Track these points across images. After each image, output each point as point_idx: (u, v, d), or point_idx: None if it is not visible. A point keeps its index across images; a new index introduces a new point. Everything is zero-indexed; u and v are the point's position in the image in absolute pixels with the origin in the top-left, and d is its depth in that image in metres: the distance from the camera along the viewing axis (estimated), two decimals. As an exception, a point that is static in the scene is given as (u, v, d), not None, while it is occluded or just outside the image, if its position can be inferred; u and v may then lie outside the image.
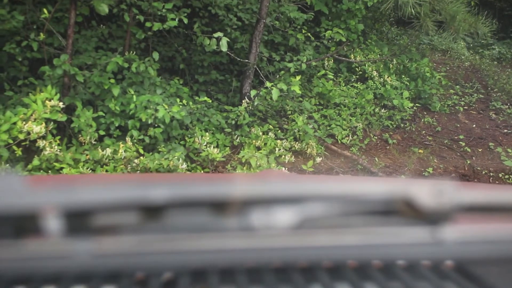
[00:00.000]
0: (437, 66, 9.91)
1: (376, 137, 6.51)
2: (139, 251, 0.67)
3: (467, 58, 11.40)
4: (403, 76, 7.74)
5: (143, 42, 5.64)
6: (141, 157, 4.25)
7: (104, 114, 4.50)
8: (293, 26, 6.63)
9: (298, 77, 5.23)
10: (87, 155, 4.20)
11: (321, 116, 6.40)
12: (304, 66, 5.80)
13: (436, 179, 0.66)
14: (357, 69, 7.47)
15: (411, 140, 6.69)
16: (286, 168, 4.93)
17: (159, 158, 4.28)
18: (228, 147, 5.14)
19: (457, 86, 8.94)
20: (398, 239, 0.74)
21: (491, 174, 5.99)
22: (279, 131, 5.71)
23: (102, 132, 4.43)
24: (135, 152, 4.28)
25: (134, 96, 4.43)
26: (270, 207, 0.67)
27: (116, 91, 4.46)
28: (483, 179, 5.92)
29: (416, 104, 7.51)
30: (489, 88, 9.24)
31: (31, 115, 3.99)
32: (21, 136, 3.92)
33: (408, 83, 7.64)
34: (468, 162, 6.29)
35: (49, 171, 4.10)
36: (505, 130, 7.42)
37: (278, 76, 5.79)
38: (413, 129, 7.00)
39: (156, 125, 4.44)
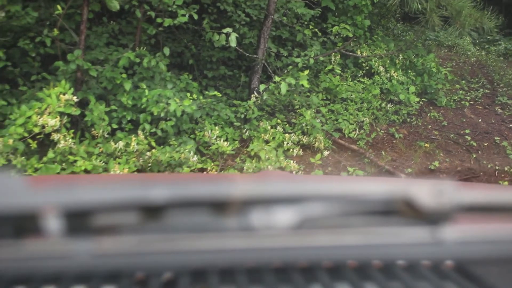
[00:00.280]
0: (443, 61, 9.95)
1: (382, 132, 6.58)
2: (139, 251, 0.68)
3: (473, 54, 11.42)
4: (409, 71, 7.80)
5: (153, 38, 5.72)
6: (153, 150, 4.34)
7: (116, 108, 4.59)
8: (300, 22, 6.70)
9: (306, 72, 5.31)
10: (100, 148, 4.30)
11: (328, 111, 6.47)
12: (312, 61, 5.88)
13: (436, 179, 0.69)
14: (363, 64, 7.54)
15: (417, 135, 6.76)
16: (295, 161, 5.01)
17: (170, 151, 4.37)
18: (237, 141, 5.23)
19: (463, 81, 8.99)
20: (398, 239, 0.74)
21: (497, 168, 6.05)
22: (287, 125, 5.79)
23: (114, 126, 4.53)
24: (147, 145, 4.37)
25: (146, 91, 4.53)
26: (270, 207, 0.67)
27: (128, 85, 4.55)
28: (489, 173, 5.98)
29: (422, 99, 7.57)
30: (495, 83, 9.28)
31: (46, 109, 4.09)
32: (36, 130, 4.01)
33: (414, 78, 7.70)
34: (474, 156, 6.36)
35: (63, 164, 4.19)
36: (511, 125, 7.48)
37: (286, 71, 5.87)
38: (419, 124, 7.06)
39: (168, 118, 4.53)
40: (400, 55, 7.92)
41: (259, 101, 5.50)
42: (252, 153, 4.93)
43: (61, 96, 4.09)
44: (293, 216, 0.67)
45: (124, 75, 4.64)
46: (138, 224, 0.66)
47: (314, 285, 0.70)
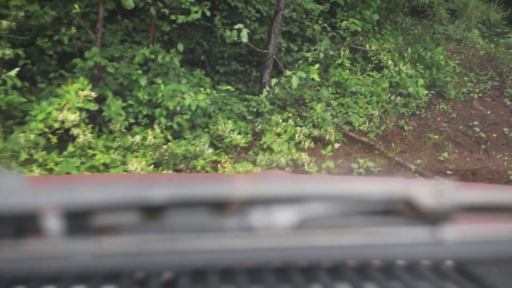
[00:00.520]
0: (452, 55, 10.00)
1: (392, 124, 6.68)
2: (139, 251, 0.68)
3: (482, 47, 11.44)
4: (417, 64, 7.89)
5: (166, 35, 5.85)
6: (169, 143, 4.47)
7: (132, 103, 4.73)
8: (309, 17, 6.80)
9: (316, 66, 5.42)
10: (118, 142, 4.43)
11: (338, 104, 6.58)
12: (321, 55, 5.99)
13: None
14: (372, 58, 7.63)
15: (427, 127, 6.85)
16: (306, 154, 5.13)
17: (186, 144, 4.50)
18: (249, 134, 5.35)
19: (472, 74, 9.05)
20: (398, 239, 0.74)
21: (506, 158, 6.14)
22: (298, 118, 5.90)
23: (131, 120, 4.67)
24: (163, 139, 4.50)
25: (162, 86, 4.66)
26: (270, 207, 0.67)
27: (143, 81, 4.69)
28: (498, 163, 6.07)
29: (431, 92, 7.66)
30: (504, 76, 9.33)
31: (65, 105, 4.22)
32: (56, 125, 4.14)
33: (423, 71, 7.79)
34: (483, 147, 6.45)
35: (82, 158, 4.33)
36: (520, 116, 7.56)
37: (296, 65, 5.98)
38: (429, 116, 7.15)
39: (184, 112, 4.66)
40: (409, 49, 8.00)
41: (270, 95, 5.62)
42: (265, 146, 5.05)
43: (80, 92, 4.22)
44: (293, 216, 0.67)
45: (139, 71, 4.77)
46: (138, 224, 0.66)
47: (314, 285, 0.70)
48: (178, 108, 4.56)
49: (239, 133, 5.12)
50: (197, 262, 0.69)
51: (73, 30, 4.69)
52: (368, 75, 7.41)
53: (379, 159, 5.65)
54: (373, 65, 7.62)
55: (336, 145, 5.62)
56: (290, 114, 5.83)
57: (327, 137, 5.65)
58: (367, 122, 6.44)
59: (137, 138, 4.45)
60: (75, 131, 4.27)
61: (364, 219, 0.72)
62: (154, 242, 0.68)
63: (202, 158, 4.50)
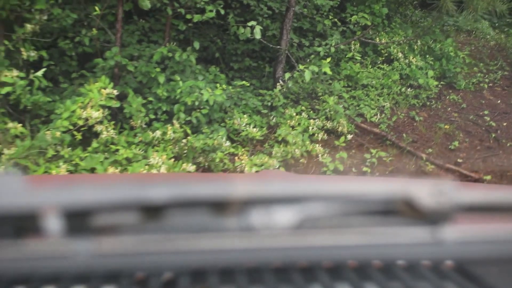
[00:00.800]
0: (462, 46, 10.07)
1: (403, 115, 6.82)
2: (139, 251, 0.68)
3: (493, 37, 11.48)
4: (427, 56, 8.01)
5: (181, 33, 6.04)
6: (188, 137, 4.66)
7: (152, 100, 4.93)
8: (320, 13, 6.96)
9: (328, 59, 5.59)
10: (139, 137, 4.63)
11: (350, 97, 6.73)
12: (332, 49, 6.15)
13: (436, 179, 0.72)
14: (382, 51, 7.76)
15: (437, 117, 6.98)
16: (320, 145, 5.30)
17: (204, 138, 4.69)
18: (264, 127, 5.53)
19: (481, 64, 9.14)
20: (398, 239, 0.74)
21: (516, 146, 6.27)
22: (311, 111, 6.06)
23: (152, 116, 4.86)
24: (182, 133, 4.69)
25: (180, 82, 4.85)
26: (270, 207, 0.68)
27: (161, 78, 4.88)
28: (508, 151, 6.20)
29: (441, 83, 7.78)
30: (514, 65, 9.42)
31: (88, 103, 4.43)
32: (80, 122, 4.34)
33: (432, 63, 7.92)
34: (493, 135, 6.57)
35: (105, 153, 4.53)
36: (530, 105, 7.66)
37: (308, 60, 6.15)
38: (439, 107, 7.28)
39: (202, 107, 4.85)
40: (418, 41, 8.13)
41: (284, 89, 5.80)
42: (280, 138, 5.24)
43: (102, 90, 4.42)
44: (293, 216, 0.68)
45: (157, 69, 4.97)
46: (138, 224, 0.66)
47: (314, 285, 0.70)
48: (196, 103, 4.74)
49: (254, 127, 5.30)
50: (197, 262, 0.69)
51: (94, 31, 4.91)
52: (378, 68, 7.55)
53: (391, 149, 5.80)
54: (383, 58, 7.75)
55: (349, 136, 5.78)
56: (303, 108, 6.00)
57: (340, 129, 5.81)
58: (378, 114, 6.59)
59: (158, 133, 4.64)
60: (98, 128, 4.46)
61: (364, 219, 0.72)
62: (154, 242, 0.68)
63: (220, 151, 4.69)
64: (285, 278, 0.71)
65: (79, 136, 4.40)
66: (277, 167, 4.92)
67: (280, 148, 5.11)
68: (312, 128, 5.61)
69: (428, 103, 7.29)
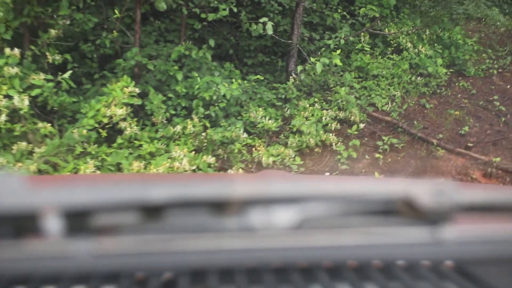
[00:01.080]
0: (472, 33, 10.14)
1: (413, 103, 6.99)
2: (139, 251, 0.68)
3: (503, 24, 11.54)
4: (436, 45, 8.17)
5: (196, 32, 6.29)
6: (207, 131, 4.90)
7: (171, 97, 5.17)
8: (329, 7, 7.18)
9: (338, 51, 5.80)
10: (161, 132, 4.88)
11: (361, 87, 6.93)
12: (342, 42, 6.35)
13: (437, 179, 0.72)
14: (392, 41, 7.93)
15: (447, 104, 7.14)
16: (333, 134, 5.53)
17: (222, 131, 4.93)
18: (279, 119, 5.75)
19: (490, 50, 9.25)
20: (398, 239, 0.74)
21: (525, 129, 6.43)
22: (324, 102, 6.27)
23: (171, 112, 5.11)
24: (201, 127, 4.92)
25: (198, 78, 5.09)
26: (270, 207, 0.67)
27: (180, 76, 5.13)
28: (518, 134, 6.37)
29: (450, 70, 7.94)
30: (523, 51, 9.52)
31: (112, 101, 4.67)
32: (105, 120, 4.58)
33: (441, 51, 8.07)
34: (503, 119, 6.73)
35: (130, 149, 4.77)
36: (539, 89, 7.79)
37: (319, 53, 6.36)
38: (449, 94, 7.44)
39: (220, 101, 5.08)
40: (427, 30, 8.28)
41: (297, 82, 6.02)
42: (294, 129, 5.47)
43: (125, 89, 4.66)
44: (293, 216, 0.67)
45: (176, 67, 5.21)
46: (138, 224, 0.66)
47: (314, 285, 0.70)
48: (214, 98, 4.98)
49: (270, 119, 5.53)
50: (196, 262, 0.69)
51: (115, 33, 5.16)
52: (388, 58, 7.73)
53: (402, 136, 5.99)
54: (392, 48, 7.93)
55: (361, 125, 5.99)
56: (316, 99, 6.22)
57: (352, 118, 6.01)
58: (389, 103, 6.77)
59: (178, 128, 4.88)
60: (122, 125, 4.69)
61: (364, 219, 0.72)
62: (154, 242, 0.68)
63: (238, 142, 4.93)
64: (285, 278, 0.71)
65: (104, 133, 4.62)
66: (292, 156, 5.15)
67: (295, 138, 5.34)
68: (325, 118, 5.82)
69: (438, 90, 7.45)
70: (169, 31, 6.52)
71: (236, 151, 4.91)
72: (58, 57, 4.89)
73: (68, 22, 5.00)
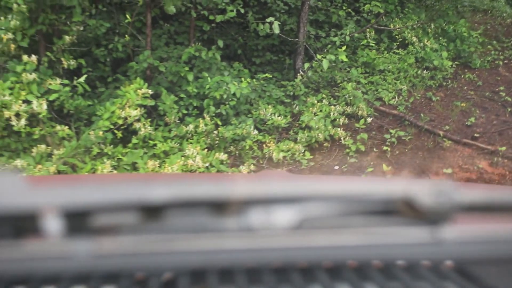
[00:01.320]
0: (478, 26, 10.18)
1: (420, 96, 7.10)
2: (139, 251, 0.68)
3: (509, 15, 11.56)
4: (441, 38, 8.27)
5: (205, 34, 6.45)
6: (219, 129, 5.06)
7: (183, 97, 5.34)
8: (334, 5, 7.33)
9: (343, 48, 5.94)
10: (174, 132, 5.04)
11: (368, 83, 7.06)
12: (348, 38, 6.49)
13: (437, 179, 0.84)
14: (397, 36, 8.05)
15: (454, 96, 7.24)
16: (342, 129, 5.67)
17: (233, 129, 5.09)
18: (288, 116, 5.90)
19: (495, 42, 9.31)
20: (398, 239, 0.74)
21: (531, 119, 6.53)
22: (332, 98, 6.41)
23: (184, 111, 5.27)
24: (213, 125, 5.08)
25: (208, 79, 5.26)
26: (269, 207, 0.67)
27: (190, 77, 5.30)
28: (524, 124, 6.46)
29: (456, 63, 8.03)
30: (529, 41, 9.57)
31: (126, 103, 4.83)
32: (120, 122, 4.73)
33: (446, 44, 8.17)
34: (509, 110, 6.83)
35: (144, 148, 4.93)
36: (545, 78, 7.86)
37: (326, 50, 6.50)
38: (455, 86, 7.53)
39: (230, 100, 5.24)
40: (432, 24, 8.38)
41: (304, 79, 6.17)
42: (303, 125, 5.62)
43: (138, 91, 4.82)
44: (293, 216, 0.67)
45: (186, 68, 5.38)
46: (138, 225, 0.66)
47: (314, 286, 0.70)
48: (224, 97, 5.14)
49: (279, 116, 5.68)
50: (196, 262, 0.69)
51: (126, 38, 5.34)
52: (394, 53, 7.84)
53: (409, 128, 6.11)
54: (398, 43, 8.04)
55: (369, 119, 6.12)
56: (323, 95, 6.36)
57: (360, 112, 6.15)
58: (396, 97, 6.88)
59: (190, 127, 5.04)
60: (136, 126, 4.84)
61: (364, 219, 0.72)
62: (154, 242, 0.68)
63: (249, 139, 5.09)
64: (285, 278, 0.71)
65: (119, 134, 4.77)
66: (302, 152, 5.30)
67: (304, 133, 5.49)
68: (333, 114, 5.96)
69: (444, 83, 7.55)
70: (179, 33, 6.69)
71: (247, 147, 5.07)
72: (72, 62, 5.05)
73: (81, 28, 5.18)
